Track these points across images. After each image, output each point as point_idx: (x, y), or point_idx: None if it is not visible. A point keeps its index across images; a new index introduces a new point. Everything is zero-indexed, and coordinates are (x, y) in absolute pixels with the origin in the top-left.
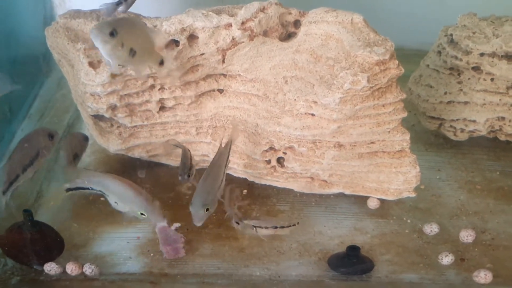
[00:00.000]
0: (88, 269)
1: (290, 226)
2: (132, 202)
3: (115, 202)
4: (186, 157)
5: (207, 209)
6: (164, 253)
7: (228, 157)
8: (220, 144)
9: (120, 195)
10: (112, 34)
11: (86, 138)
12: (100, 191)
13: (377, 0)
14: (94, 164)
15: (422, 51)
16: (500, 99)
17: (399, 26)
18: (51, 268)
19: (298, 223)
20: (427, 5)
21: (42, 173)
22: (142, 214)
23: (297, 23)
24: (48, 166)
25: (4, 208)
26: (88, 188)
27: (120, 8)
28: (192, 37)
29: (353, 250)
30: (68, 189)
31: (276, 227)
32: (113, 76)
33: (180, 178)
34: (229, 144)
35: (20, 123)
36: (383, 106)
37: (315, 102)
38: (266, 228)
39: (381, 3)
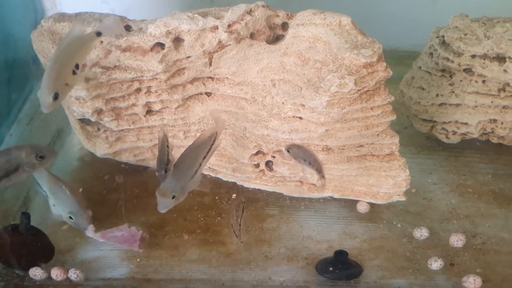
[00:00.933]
0: (73, 275)
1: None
2: (64, 203)
3: (53, 205)
4: (163, 151)
5: (173, 197)
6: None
7: (210, 149)
8: (203, 133)
9: (55, 195)
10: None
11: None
12: (44, 191)
13: (370, 2)
14: (83, 168)
15: (415, 52)
16: (492, 101)
17: (392, 28)
18: (36, 273)
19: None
20: (419, 6)
21: (29, 178)
22: (70, 217)
23: (285, 26)
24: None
25: None
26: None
27: None
28: (178, 40)
29: (340, 255)
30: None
31: None
32: (87, 80)
33: (157, 174)
34: (213, 136)
35: (9, 128)
36: (371, 109)
37: (303, 105)
38: None
39: (374, 5)
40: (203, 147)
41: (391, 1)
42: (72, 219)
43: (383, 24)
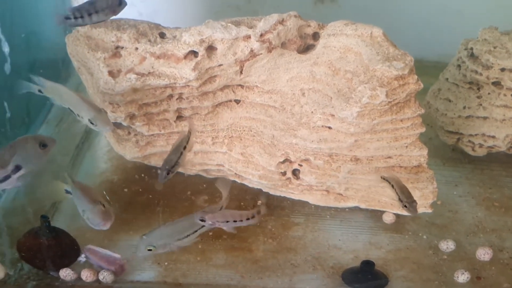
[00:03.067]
0: (103, 276)
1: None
2: (79, 200)
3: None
4: (176, 152)
5: (150, 250)
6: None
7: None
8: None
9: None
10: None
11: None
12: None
13: (395, 11)
14: (111, 170)
15: (441, 63)
16: None
17: (418, 38)
18: (66, 274)
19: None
20: (446, 16)
21: (58, 179)
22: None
23: (315, 36)
24: (68, 171)
25: None
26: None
27: None
28: (211, 48)
29: (367, 265)
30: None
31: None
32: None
33: (158, 171)
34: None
35: (37, 129)
36: (401, 121)
37: (333, 115)
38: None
39: (400, 14)
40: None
41: (416, 11)
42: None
43: (408, 34)
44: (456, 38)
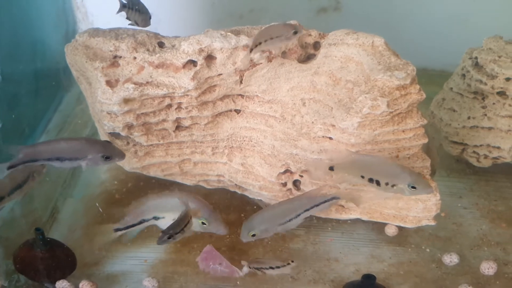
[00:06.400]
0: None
1: (284, 266)
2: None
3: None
4: (183, 219)
5: (253, 235)
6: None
7: (316, 207)
8: (319, 189)
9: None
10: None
11: None
12: (154, 217)
13: (400, 20)
14: (110, 181)
15: (446, 72)
16: None
17: (423, 47)
18: (62, 286)
19: (292, 261)
20: (451, 25)
21: (57, 189)
22: (203, 223)
23: (316, 45)
24: (64, 183)
25: None
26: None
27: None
28: (210, 58)
29: (368, 279)
30: (117, 229)
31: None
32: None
33: (161, 233)
34: (327, 198)
35: (38, 138)
36: (403, 131)
37: (333, 125)
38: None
39: (405, 23)
40: (309, 201)
41: (421, 20)
42: (205, 224)
43: (413, 42)
44: (462, 47)
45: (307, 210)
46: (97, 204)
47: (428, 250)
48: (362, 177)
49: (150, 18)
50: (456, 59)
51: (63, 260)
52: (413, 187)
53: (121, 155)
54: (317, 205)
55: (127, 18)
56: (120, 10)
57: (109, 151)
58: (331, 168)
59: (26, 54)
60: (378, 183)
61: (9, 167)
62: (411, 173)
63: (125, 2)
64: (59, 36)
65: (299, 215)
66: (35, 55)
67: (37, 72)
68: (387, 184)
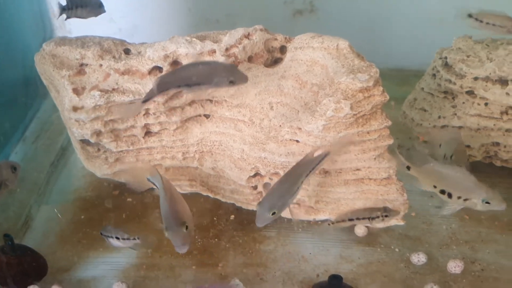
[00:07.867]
0: None
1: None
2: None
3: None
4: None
5: (273, 213)
6: None
7: (314, 168)
8: (311, 151)
9: None
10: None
11: (14, 167)
12: None
13: (375, 21)
14: (85, 187)
15: (422, 72)
16: (494, 124)
17: (398, 47)
18: None
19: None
20: (426, 25)
21: (32, 196)
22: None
23: (283, 49)
24: (38, 190)
25: None
26: None
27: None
28: (175, 64)
29: (335, 279)
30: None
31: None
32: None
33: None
34: (321, 157)
35: (14, 146)
36: (368, 133)
37: (300, 128)
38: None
39: (380, 24)
40: (305, 167)
41: (398, 20)
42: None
43: (389, 43)
44: (437, 47)
45: (308, 174)
46: (55, 210)
47: (397, 250)
48: (435, 186)
49: (100, 6)
50: (431, 59)
51: (32, 266)
52: (487, 203)
53: (245, 79)
54: (315, 167)
55: (68, 18)
56: (60, 14)
57: (234, 75)
58: (408, 168)
59: (3, 62)
60: (450, 195)
61: (144, 101)
62: (487, 188)
63: (64, 5)
64: (37, 45)
65: (303, 181)
66: (13, 64)
67: (13, 80)
68: (459, 198)
